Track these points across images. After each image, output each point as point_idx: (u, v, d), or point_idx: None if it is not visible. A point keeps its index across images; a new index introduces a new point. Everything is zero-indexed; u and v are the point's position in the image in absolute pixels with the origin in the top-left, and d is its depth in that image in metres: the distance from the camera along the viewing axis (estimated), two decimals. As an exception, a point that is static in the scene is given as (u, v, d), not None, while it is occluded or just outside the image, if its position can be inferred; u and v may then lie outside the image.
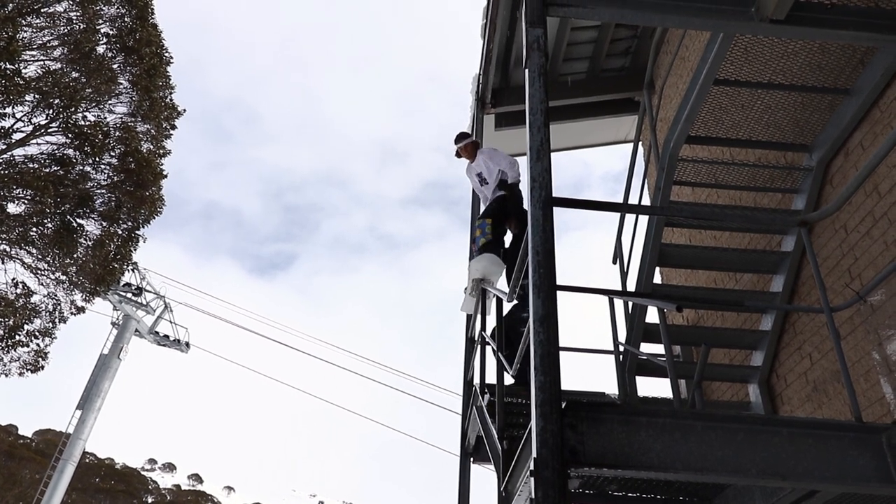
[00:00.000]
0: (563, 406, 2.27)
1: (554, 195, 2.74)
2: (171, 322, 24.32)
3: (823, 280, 4.54)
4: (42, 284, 12.06)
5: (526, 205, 2.77)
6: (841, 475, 2.38)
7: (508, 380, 4.24)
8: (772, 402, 5.11)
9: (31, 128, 11.19)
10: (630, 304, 5.12)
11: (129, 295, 22.50)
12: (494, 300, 4.46)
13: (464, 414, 5.43)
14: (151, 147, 12.79)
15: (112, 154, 11.96)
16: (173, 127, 13.26)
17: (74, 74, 11.53)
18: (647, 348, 5.24)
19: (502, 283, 5.35)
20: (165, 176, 12.81)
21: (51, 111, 11.06)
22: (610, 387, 6.63)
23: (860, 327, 4.19)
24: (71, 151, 11.44)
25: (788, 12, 3.65)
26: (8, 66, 9.87)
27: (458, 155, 6.88)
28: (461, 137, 6.87)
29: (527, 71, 3.11)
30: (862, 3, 3.97)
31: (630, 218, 5.73)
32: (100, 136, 11.42)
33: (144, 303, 23.14)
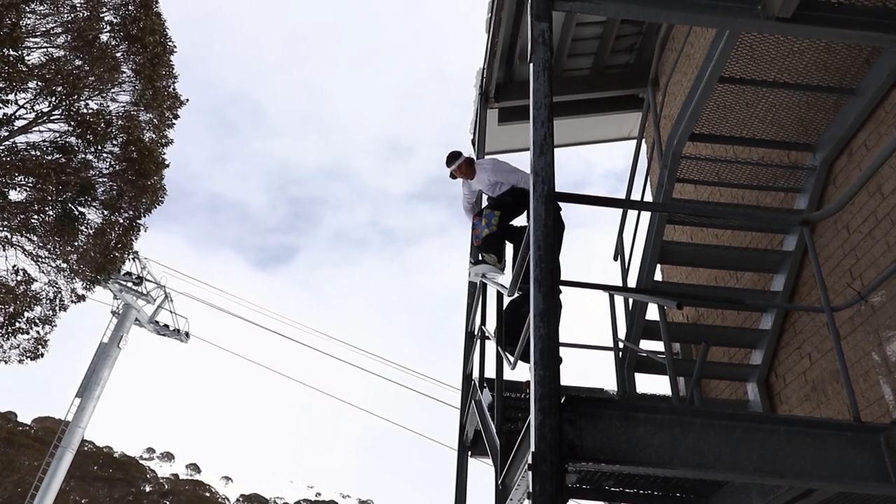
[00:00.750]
0: (562, 401, 2.28)
1: (556, 190, 2.75)
2: (171, 312, 24.38)
3: (825, 280, 4.54)
4: (43, 272, 12.09)
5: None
6: (838, 474, 2.39)
7: (508, 374, 4.25)
8: (770, 400, 5.12)
9: (33, 115, 11.20)
10: (630, 300, 5.12)
11: (130, 284, 22.54)
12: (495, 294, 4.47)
13: (462, 408, 5.44)
14: (154, 136, 12.80)
15: (114, 143, 11.98)
16: (176, 116, 13.27)
17: (77, 62, 11.53)
18: (646, 345, 5.25)
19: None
20: (167, 165, 12.81)
21: (53, 99, 11.06)
22: (609, 383, 6.64)
23: (860, 328, 4.19)
24: (73, 139, 11.46)
25: (795, 10, 3.64)
26: (11, 52, 9.86)
27: (454, 176, 6.31)
28: (452, 158, 6.23)
29: (531, 65, 3.11)
30: (868, 3, 3.96)
31: (632, 215, 5.73)
32: (102, 125, 11.43)
33: (145, 292, 23.18)
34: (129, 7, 11.75)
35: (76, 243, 11.82)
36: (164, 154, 12.89)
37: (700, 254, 5.31)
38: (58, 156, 11.33)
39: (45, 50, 11.30)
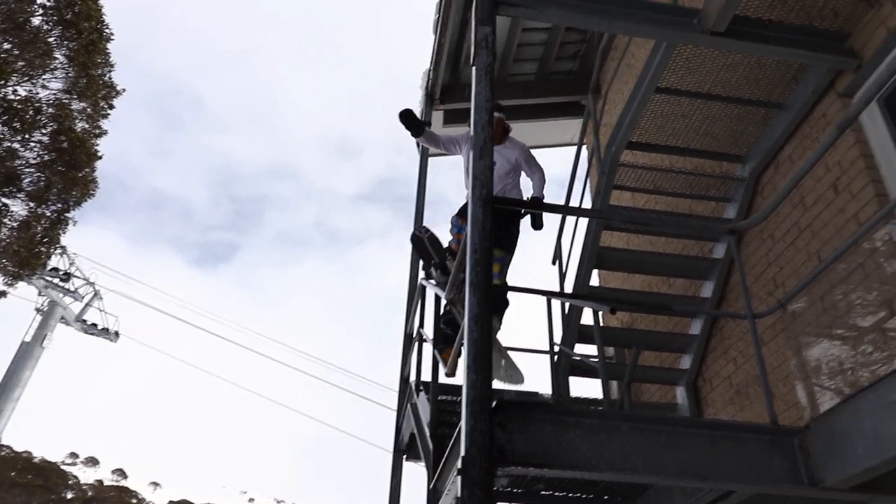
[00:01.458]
0: (494, 405, 2.29)
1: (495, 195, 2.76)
2: (100, 310, 23.51)
3: (750, 287, 4.72)
4: (-40, 265, 11.47)
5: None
6: (756, 477, 2.47)
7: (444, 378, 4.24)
8: (697, 403, 5.28)
9: (-47, 99, 10.63)
10: (566, 305, 5.20)
11: (56, 280, 21.62)
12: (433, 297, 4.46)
13: (399, 411, 5.42)
14: (86, 126, 12.30)
15: (43, 131, 11.46)
16: (111, 107, 12.77)
17: (7, 46, 10.99)
18: (581, 349, 5.33)
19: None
20: (100, 157, 12.33)
21: (-24, 83, 10.52)
22: (544, 387, 6.72)
23: (781, 334, 4.37)
24: (-1, 126, 10.92)
25: (729, 25, 3.78)
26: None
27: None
28: (498, 108, 5.48)
29: (474, 69, 3.12)
30: (797, 22, 4.13)
31: (571, 220, 5.82)
32: (31, 112, 10.93)
33: (72, 289, 22.28)
34: (64, -10, 11.29)
35: (-1, 236, 11.26)
36: (97, 145, 12.39)
37: (635, 260, 5.43)
38: (-20, 143, 10.79)
39: (-32, 31, 10.75)
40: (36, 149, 11.57)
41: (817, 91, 4.26)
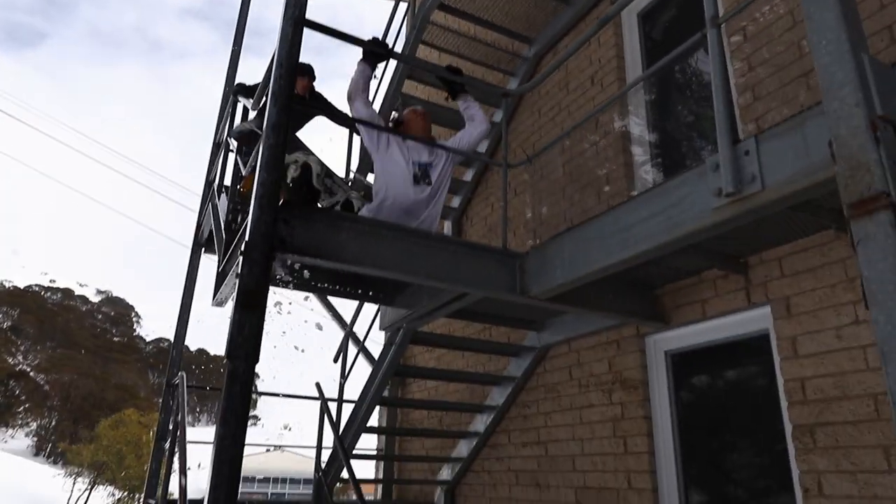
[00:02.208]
0: (280, 203, 2.27)
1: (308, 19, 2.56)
2: None
3: (514, 149, 5.04)
4: None
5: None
6: (485, 284, 2.79)
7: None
8: (459, 235, 5.71)
9: None
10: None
11: None
12: (241, 106, 4.17)
13: (201, 209, 5.18)
14: None
15: None
16: None
17: None
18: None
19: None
20: None
21: None
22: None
23: (530, 187, 4.79)
24: None
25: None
26: None
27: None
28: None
29: None
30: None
31: (381, 67, 5.62)
32: None
33: None
34: None
35: None
36: None
37: (431, 112, 5.46)
38: None
39: None
40: None
41: (597, -6, 4.41)
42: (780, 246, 2.80)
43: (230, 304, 2.59)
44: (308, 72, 4.78)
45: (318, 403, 4.54)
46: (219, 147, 4.99)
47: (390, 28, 5.72)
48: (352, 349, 5.25)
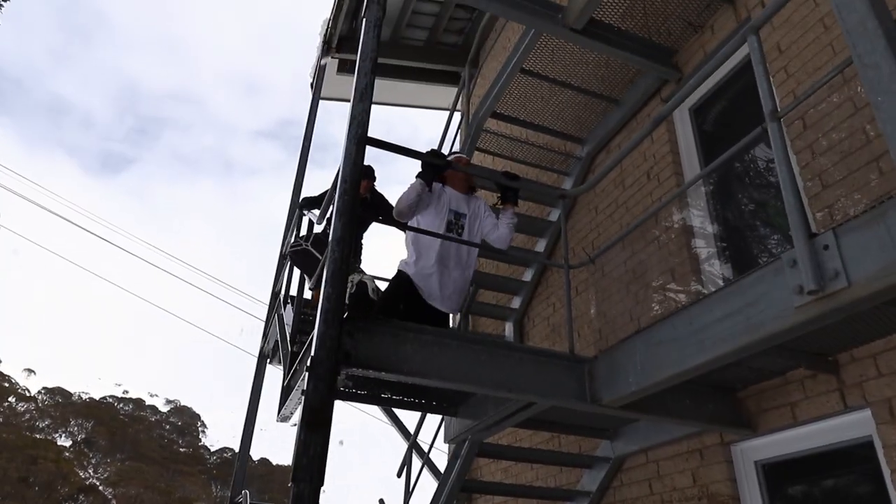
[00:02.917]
0: (345, 316, 2.30)
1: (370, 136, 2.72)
2: (-21, 201, 20.81)
3: (573, 248, 5.03)
4: None
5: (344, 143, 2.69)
6: (552, 392, 2.69)
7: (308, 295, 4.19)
8: (521, 337, 5.61)
9: None
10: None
11: (-68, 166, 18.82)
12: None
13: (267, 321, 5.32)
14: (-26, 15, 10.64)
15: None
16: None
17: None
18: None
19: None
20: (-12, 48, 10.72)
21: None
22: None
23: (592, 286, 4.71)
24: None
25: (586, 25, 3.90)
26: None
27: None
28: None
29: (364, 20, 3.01)
30: (640, 33, 4.34)
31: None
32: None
33: (-50, 177, 19.52)
34: None
35: None
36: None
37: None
38: None
39: None
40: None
41: (646, 94, 4.53)
42: (873, 342, 2.60)
43: (295, 418, 2.57)
44: (369, 173, 5.07)
45: (382, 521, 4.35)
46: (284, 259, 5.20)
47: (445, 137, 6.00)
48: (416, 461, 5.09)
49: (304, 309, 3.78)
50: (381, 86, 7.84)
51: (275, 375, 5.70)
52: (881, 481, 2.54)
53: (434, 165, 3.29)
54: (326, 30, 7.50)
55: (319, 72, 7.37)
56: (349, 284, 3.30)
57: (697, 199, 4.09)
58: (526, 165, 5.63)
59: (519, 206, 3.75)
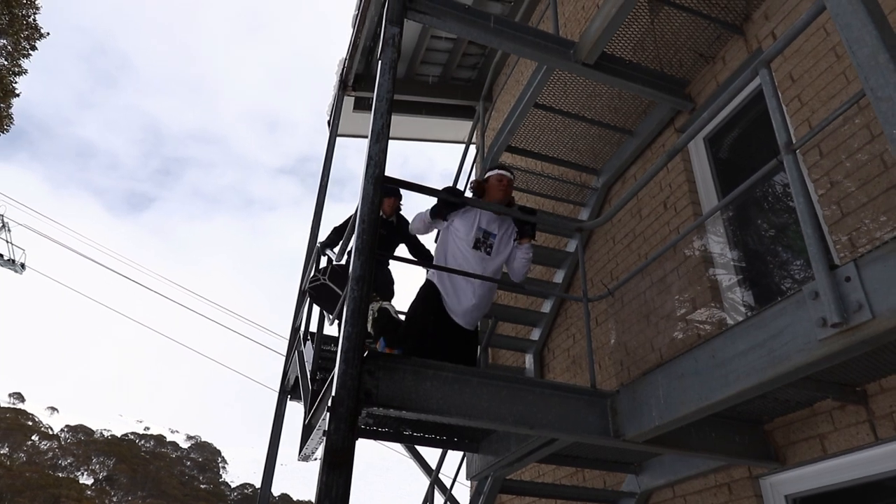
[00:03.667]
0: (365, 354, 2.32)
1: (387, 175, 2.77)
2: (7, 241, 21.34)
3: (591, 278, 5.01)
4: None
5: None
6: (574, 428, 2.66)
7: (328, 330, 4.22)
8: (541, 369, 5.57)
9: None
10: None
11: (-37, 209, 19.42)
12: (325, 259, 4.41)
13: (287, 356, 5.34)
14: (5, 63, 11.06)
15: (-41, 62, 10.20)
16: (33, 47, 11.55)
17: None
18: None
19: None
20: (17, 94, 11.15)
21: None
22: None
23: (612, 317, 4.68)
24: None
25: (597, 60, 3.96)
26: None
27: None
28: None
29: (380, 62, 3.09)
30: (651, 66, 4.39)
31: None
32: (-54, 41, 9.69)
33: (-21, 219, 20.10)
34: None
35: None
36: (16, 83, 11.19)
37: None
38: None
39: None
40: (-50, 78, 10.30)
41: (660, 124, 4.55)
42: (904, 371, 2.54)
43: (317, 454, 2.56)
44: (395, 192, 5.11)
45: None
46: (304, 295, 5.24)
47: (461, 170, 6.06)
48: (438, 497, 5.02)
49: (323, 346, 3.80)
50: (397, 121, 7.98)
51: (296, 410, 5.70)
52: (919, 517, 2.46)
53: (450, 203, 3.34)
54: (342, 68, 7.68)
55: (336, 110, 7.53)
56: (370, 314, 3.35)
57: (716, 226, 4.07)
58: (542, 197, 5.65)
59: (536, 238, 3.77)
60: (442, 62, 8.37)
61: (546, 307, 5.50)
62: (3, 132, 10.85)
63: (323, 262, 4.80)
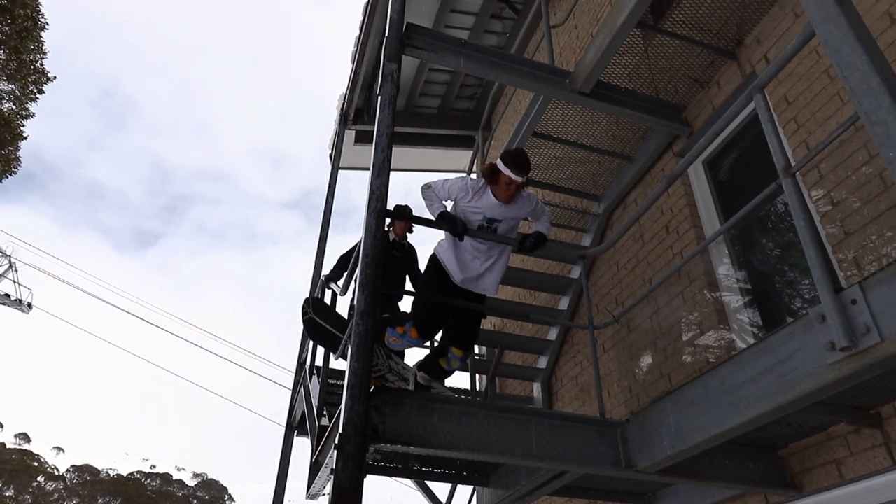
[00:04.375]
0: (371, 390, 2.30)
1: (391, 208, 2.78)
2: (13, 282, 21.44)
3: (596, 304, 4.99)
4: None
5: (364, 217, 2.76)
6: (584, 459, 2.62)
7: (337, 364, 4.19)
8: (550, 397, 5.50)
9: None
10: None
11: (-30, 251, 19.56)
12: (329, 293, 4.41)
13: (293, 391, 5.30)
14: (13, 107, 11.27)
15: (-33, 107, 10.39)
16: (40, 91, 11.77)
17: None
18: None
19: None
20: (25, 137, 11.33)
21: None
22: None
23: (619, 343, 4.64)
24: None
25: (593, 88, 4.00)
26: None
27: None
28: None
29: (379, 98, 3.14)
30: (647, 92, 4.44)
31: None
32: (-45, 88, 9.88)
33: (-14, 260, 20.22)
34: (1, -24, 10.31)
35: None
36: (23, 126, 11.38)
37: (507, 274, 5.59)
38: None
39: None
40: (-42, 123, 10.48)
41: (659, 149, 4.58)
42: (917, 392, 2.50)
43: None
44: (406, 214, 5.03)
45: None
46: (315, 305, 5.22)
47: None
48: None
49: (329, 379, 3.77)
50: (398, 153, 8.04)
51: (304, 445, 5.63)
52: (942, 542, 2.39)
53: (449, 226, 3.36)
54: (343, 103, 7.78)
55: (337, 143, 7.60)
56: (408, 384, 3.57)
57: (720, 248, 4.06)
58: (544, 224, 5.66)
59: (539, 261, 3.78)
60: (441, 94, 8.48)
61: (552, 335, 5.47)
62: (11, 174, 11.00)
63: (327, 295, 4.80)
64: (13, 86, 11.28)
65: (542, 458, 2.49)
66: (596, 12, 5.73)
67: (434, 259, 3.62)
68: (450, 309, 3.50)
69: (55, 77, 11.92)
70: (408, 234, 5.23)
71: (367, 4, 6.39)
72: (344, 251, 5.46)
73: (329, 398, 3.77)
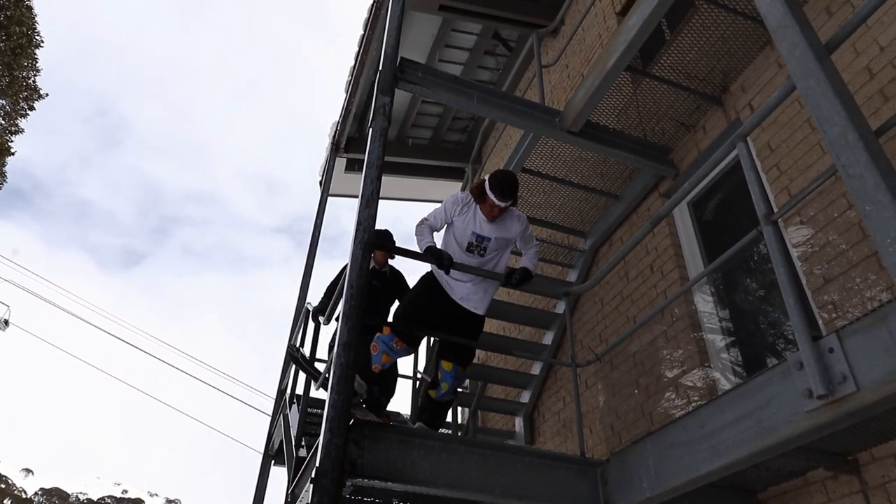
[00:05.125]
0: (351, 423, 2.28)
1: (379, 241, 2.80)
2: (-9, 298, 21.04)
3: (581, 340, 5.00)
4: None
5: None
6: (564, 499, 2.60)
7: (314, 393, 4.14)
8: (532, 433, 5.46)
9: None
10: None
11: (-51, 264, 19.23)
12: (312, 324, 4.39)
13: (272, 419, 5.22)
14: (2, 122, 11.23)
15: (-45, 121, 10.35)
16: (31, 108, 11.77)
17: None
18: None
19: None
20: (12, 153, 11.28)
21: None
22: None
23: (601, 380, 4.64)
24: None
25: (582, 128, 4.08)
26: None
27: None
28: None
29: (370, 130, 3.17)
30: (635, 133, 4.53)
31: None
32: (-55, 101, 9.86)
33: (-36, 274, 19.85)
34: (-1, -6, 10.37)
35: None
36: (11, 141, 11.33)
37: (492, 307, 5.59)
38: None
39: None
40: (-55, 136, 10.41)
41: (645, 189, 4.65)
42: (893, 441, 2.52)
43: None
44: (390, 248, 4.89)
45: None
46: (290, 358, 5.17)
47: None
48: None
49: (309, 408, 3.73)
50: (388, 182, 8.09)
51: (281, 475, 5.52)
52: None
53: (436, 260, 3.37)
54: (335, 131, 7.85)
55: (328, 171, 7.65)
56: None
57: (703, 289, 4.10)
58: (530, 258, 5.69)
59: (524, 294, 3.79)
60: (432, 125, 8.58)
61: (536, 369, 5.46)
62: (-5, 189, 10.92)
63: (311, 328, 4.76)
64: (3, 101, 11.27)
65: (520, 498, 2.48)
66: (587, 53, 5.87)
67: (431, 273, 3.70)
68: (438, 317, 3.55)
69: (47, 94, 11.93)
70: (388, 261, 5.15)
71: (363, 37, 6.50)
72: (331, 280, 5.42)
73: (308, 428, 3.71)
